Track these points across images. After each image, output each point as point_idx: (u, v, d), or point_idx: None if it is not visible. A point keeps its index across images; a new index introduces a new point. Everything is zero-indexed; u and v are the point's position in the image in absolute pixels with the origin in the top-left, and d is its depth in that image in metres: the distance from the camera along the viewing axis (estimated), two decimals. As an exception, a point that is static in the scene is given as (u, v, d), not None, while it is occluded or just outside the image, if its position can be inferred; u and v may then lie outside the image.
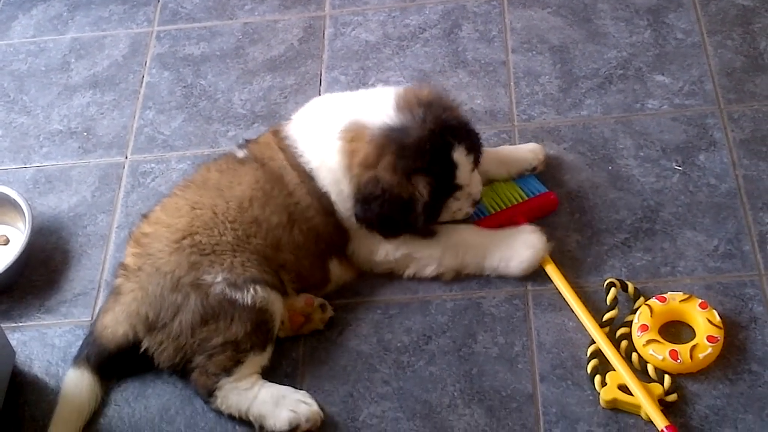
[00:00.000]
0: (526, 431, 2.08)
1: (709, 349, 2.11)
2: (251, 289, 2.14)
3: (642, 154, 2.49)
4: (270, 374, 2.20)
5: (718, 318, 2.14)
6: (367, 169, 2.17)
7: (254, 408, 2.12)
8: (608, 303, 2.21)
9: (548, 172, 2.48)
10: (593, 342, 2.16)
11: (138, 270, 2.19)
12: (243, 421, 2.15)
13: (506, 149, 2.48)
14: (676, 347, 2.12)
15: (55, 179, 2.68)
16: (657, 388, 2.06)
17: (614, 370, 2.10)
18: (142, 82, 2.89)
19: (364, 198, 2.19)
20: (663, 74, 2.64)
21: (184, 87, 2.85)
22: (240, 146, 2.36)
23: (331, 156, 2.21)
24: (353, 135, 2.19)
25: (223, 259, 2.17)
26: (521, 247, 2.27)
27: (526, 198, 2.38)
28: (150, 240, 2.22)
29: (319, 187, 2.24)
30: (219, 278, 2.14)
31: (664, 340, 2.14)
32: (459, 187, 2.24)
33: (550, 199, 2.38)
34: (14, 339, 2.34)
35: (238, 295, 2.13)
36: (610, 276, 2.26)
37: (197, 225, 2.21)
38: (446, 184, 2.22)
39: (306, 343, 2.25)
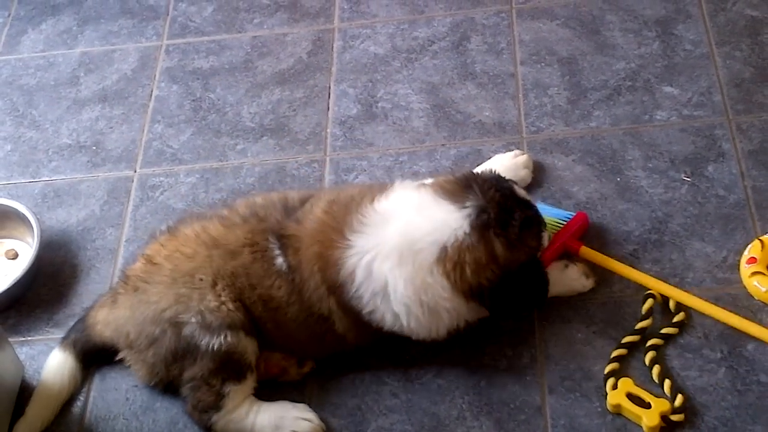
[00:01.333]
0: (535, 444, 2.08)
1: None
2: (222, 336, 2.10)
3: (650, 165, 2.48)
4: (277, 387, 2.21)
5: None
6: (484, 269, 2.02)
7: None
8: (643, 312, 2.20)
9: (557, 183, 2.48)
10: (618, 347, 2.16)
11: (135, 290, 2.20)
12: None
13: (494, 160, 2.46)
14: None
15: (64, 193, 2.69)
16: (664, 405, 2.05)
17: (628, 377, 2.10)
18: (151, 96, 2.89)
19: (498, 292, 2.04)
20: (671, 85, 2.64)
21: (193, 101, 2.86)
22: (278, 238, 2.13)
23: (437, 292, 2.03)
24: (454, 257, 2.01)
25: (216, 297, 2.12)
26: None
27: (564, 223, 2.33)
28: (154, 270, 2.19)
29: (392, 327, 2.10)
30: (193, 319, 2.11)
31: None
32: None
33: (584, 218, 2.35)
34: (22, 353, 2.35)
35: (205, 340, 2.10)
36: (619, 287, 2.25)
37: (206, 269, 2.14)
38: (539, 216, 2.14)
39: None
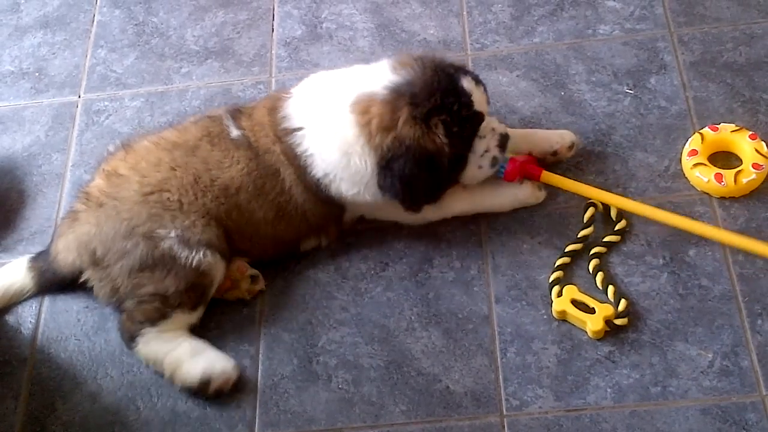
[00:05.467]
0: (483, 351, 2.11)
1: (753, 175, 2.23)
2: (201, 252, 2.14)
3: (594, 79, 2.50)
4: (228, 303, 2.23)
5: (765, 149, 2.26)
6: (387, 132, 2.09)
7: (171, 355, 2.13)
8: (585, 221, 2.24)
9: (502, 99, 2.50)
10: (561, 256, 2.19)
11: (99, 206, 2.20)
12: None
13: (531, 131, 2.39)
14: (722, 171, 2.23)
15: (8, 120, 2.66)
16: (608, 310, 2.10)
17: (573, 284, 2.14)
18: (93, 21, 2.86)
19: (388, 162, 2.10)
20: None
21: (136, 25, 2.83)
22: (232, 116, 2.26)
23: (345, 133, 2.11)
24: (363, 106, 2.11)
25: (186, 217, 2.16)
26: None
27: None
28: (121, 182, 2.21)
29: (316, 175, 2.16)
30: (172, 234, 2.14)
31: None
32: (480, 117, 2.15)
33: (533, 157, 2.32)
34: (-28, 278, 2.34)
35: (184, 254, 2.13)
36: (564, 199, 2.28)
37: (172, 184, 2.18)
38: (466, 116, 2.12)
39: (265, 272, 2.26)
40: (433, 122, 2.08)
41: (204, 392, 2.10)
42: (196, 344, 2.14)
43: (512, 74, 2.55)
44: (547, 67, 2.55)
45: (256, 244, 2.25)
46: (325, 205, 2.20)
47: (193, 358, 2.12)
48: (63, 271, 2.23)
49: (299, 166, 2.17)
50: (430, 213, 2.25)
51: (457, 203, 2.26)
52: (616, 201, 2.23)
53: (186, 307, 2.15)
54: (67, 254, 2.22)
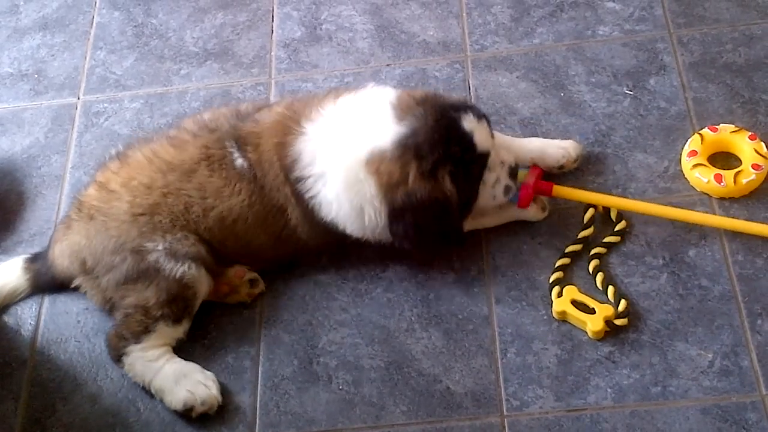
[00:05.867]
0: (483, 351, 2.11)
1: (753, 176, 2.23)
2: (186, 265, 2.13)
3: (593, 80, 2.51)
4: (228, 307, 2.24)
5: (765, 149, 2.26)
6: (398, 186, 2.06)
7: (156, 381, 2.12)
8: (584, 221, 2.24)
9: (502, 100, 2.50)
10: (562, 256, 2.20)
11: (90, 219, 2.20)
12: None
13: (536, 141, 2.37)
14: (721, 172, 2.23)
15: (7, 122, 2.66)
16: (608, 310, 2.10)
17: (573, 285, 2.14)
18: (92, 23, 2.86)
19: (400, 213, 2.07)
20: (613, 1, 2.65)
21: (135, 26, 2.83)
22: (236, 141, 2.18)
23: (360, 188, 2.08)
24: (376, 164, 2.06)
25: (175, 233, 2.15)
26: None
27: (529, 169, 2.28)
28: (111, 199, 2.20)
29: (325, 219, 2.14)
30: (160, 246, 2.14)
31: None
32: (485, 156, 2.13)
33: (540, 170, 2.28)
34: (-29, 280, 2.34)
35: (169, 266, 2.13)
36: (564, 200, 2.28)
37: (163, 210, 2.16)
38: (470, 159, 2.11)
39: (264, 274, 2.25)
40: (440, 174, 2.06)
41: (188, 418, 2.09)
42: (179, 366, 2.13)
43: (512, 75, 2.55)
44: (547, 68, 2.55)
45: (255, 262, 2.24)
46: (330, 236, 2.18)
47: (176, 385, 2.10)
48: (61, 276, 2.24)
49: (308, 207, 2.14)
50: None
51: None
52: (629, 205, 2.22)
53: (169, 320, 2.14)
54: (62, 260, 2.22)
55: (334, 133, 2.12)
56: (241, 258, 2.23)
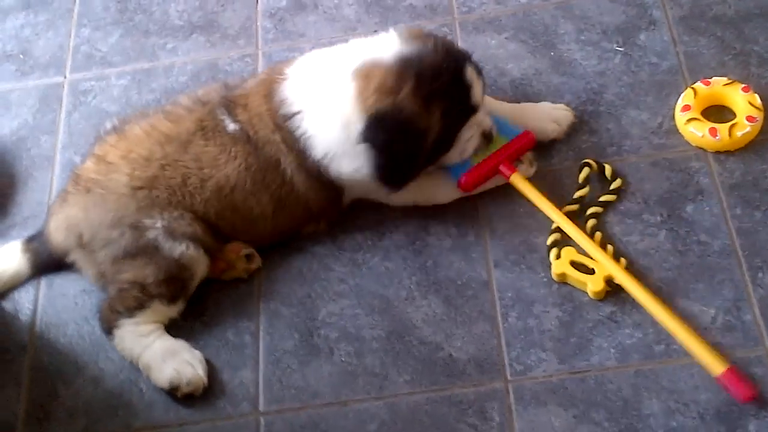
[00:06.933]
0: (484, 317, 2.10)
1: (748, 128, 2.22)
2: (184, 245, 2.12)
3: (583, 37, 2.49)
4: (227, 281, 2.22)
5: (759, 101, 2.25)
6: (386, 95, 2.05)
7: (144, 357, 2.11)
8: (580, 181, 2.23)
9: (492, 62, 2.47)
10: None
11: (87, 191, 2.18)
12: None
13: (528, 109, 2.34)
14: (716, 125, 2.22)
15: (-6, 104, 2.65)
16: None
17: (571, 246, 2.13)
18: (75, 0, 2.83)
19: (377, 120, 2.05)
20: (600, -44, 2.63)
21: (119, 2, 2.80)
22: (226, 107, 2.19)
23: (344, 104, 2.07)
24: (367, 70, 2.07)
25: (173, 210, 2.15)
26: None
27: (507, 141, 2.24)
28: (109, 171, 2.18)
29: (316, 157, 2.13)
30: (158, 224, 2.13)
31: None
32: (473, 111, 2.14)
33: (529, 139, 2.25)
34: (-34, 266, 2.33)
35: (167, 245, 2.12)
36: (558, 160, 2.27)
37: (161, 183, 2.16)
38: (462, 108, 2.12)
39: (260, 248, 2.24)
40: (434, 105, 2.06)
41: (174, 396, 2.09)
42: (169, 344, 2.12)
43: (501, 36, 2.53)
44: (536, 27, 2.53)
45: (253, 237, 2.23)
46: (325, 189, 2.17)
47: (163, 363, 2.09)
48: (57, 250, 2.22)
49: (299, 150, 2.14)
50: (419, 195, 2.24)
51: (442, 193, 2.25)
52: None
53: (164, 299, 2.13)
54: (57, 234, 2.21)
55: (322, 65, 2.16)
56: (241, 234, 2.21)
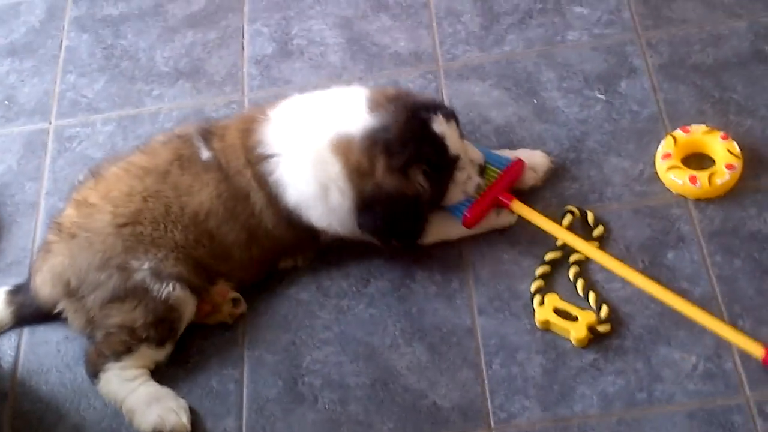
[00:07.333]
0: (468, 364, 2.11)
1: (727, 176, 2.24)
2: (170, 286, 2.13)
3: (565, 85, 2.51)
4: (211, 327, 2.22)
5: (737, 149, 2.27)
6: (367, 177, 2.09)
7: (129, 401, 2.11)
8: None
9: (475, 109, 2.50)
10: (542, 264, 2.20)
11: (72, 237, 2.18)
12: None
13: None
14: (696, 173, 2.25)
15: (-21, 150, 2.65)
16: (590, 317, 2.10)
17: (554, 293, 2.15)
18: (61, 47, 2.85)
19: (368, 204, 2.11)
20: (581, 5, 2.66)
21: (105, 48, 2.82)
22: (203, 136, 2.23)
23: (327, 168, 2.11)
24: (344, 147, 2.09)
25: (158, 250, 2.15)
26: None
27: (500, 172, 2.27)
28: (92, 213, 2.19)
29: (288, 204, 2.16)
30: (145, 266, 2.13)
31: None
32: (456, 158, 2.16)
33: (521, 165, 2.29)
34: (-51, 312, 2.32)
35: (155, 286, 2.12)
36: (541, 206, 2.28)
37: (145, 217, 2.16)
38: (443, 161, 2.14)
39: (246, 294, 2.25)
40: (412, 171, 2.10)
41: None
42: (154, 390, 2.12)
43: (484, 83, 2.56)
44: (519, 75, 2.56)
45: (233, 268, 2.23)
46: (295, 229, 2.19)
47: (147, 408, 2.09)
48: (45, 304, 2.21)
49: (270, 191, 2.16)
50: (430, 237, 2.26)
51: (431, 234, 2.25)
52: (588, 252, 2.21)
53: (152, 342, 2.14)
54: (43, 288, 2.20)
55: (300, 117, 2.18)
56: (221, 265, 2.22)
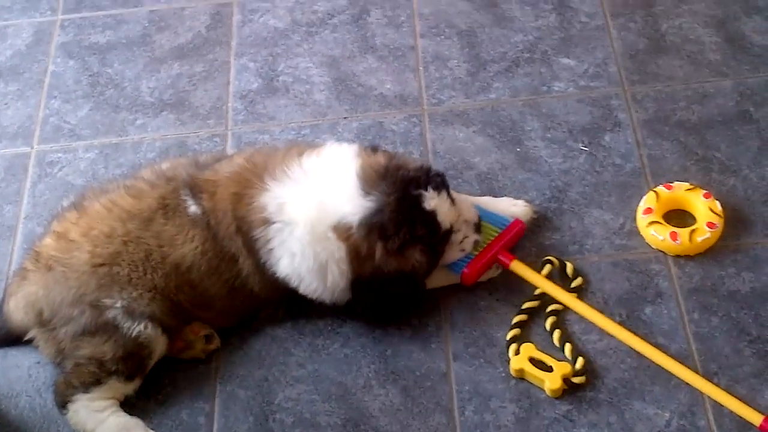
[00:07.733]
0: (441, 409, 2.10)
1: (708, 234, 2.25)
2: (142, 324, 2.11)
3: (549, 135, 2.53)
4: (184, 360, 2.21)
5: (719, 207, 2.29)
6: (365, 261, 2.09)
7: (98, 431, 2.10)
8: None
9: (459, 155, 2.51)
10: (518, 313, 2.20)
11: (48, 269, 2.16)
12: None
13: (489, 204, 2.35)
14: (677, 230, 2.25)
15: (-41, 171, 2.63)
16: (566, 368, 2.10)
17: (530, 342, 2.15)
18: (46, 72, 2.84)
19: (363, 283, 2.12)
20: (568, 57, 2.69)
21: (90, 76, 2.81)
22: (191, 189, 2.17)
23: (330, 248, 2.09)
24: (345, 233, 2.07)
25: (134, 289, 2.13)
26: None
27: (499, 231, 2.29)
28: (71, 249, 2.16)
29: (279, 274, 2.14)
30: (118, 304, 2.12)
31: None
32: (449, 230, 2.17)
33: (521, 227, 2.30)
34: None
35: (126, 324, 2.11)
36: (521, 255, 2.28)
37: (123, 259, 2.14)
38: (436, 238, 2.14)
39: (220, 329, 2.23)
40: (408, 252, 2.10)
41: None
42: (123, 421, 2.10)
43: (468, 130, 2.57)
44: (503, 123, 2.57)
45: (213, 316, 2.22)
46: (281, 291, 2.18)
47: None
48: (16, 329, 2.20)
49: (260, 258, 2.14)
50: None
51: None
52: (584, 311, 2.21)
53: (122, 376, 2.12)
54: (16, 313, 2.18)
55: (300, 194, 2.11)
56: (200, 310, 2.20)
